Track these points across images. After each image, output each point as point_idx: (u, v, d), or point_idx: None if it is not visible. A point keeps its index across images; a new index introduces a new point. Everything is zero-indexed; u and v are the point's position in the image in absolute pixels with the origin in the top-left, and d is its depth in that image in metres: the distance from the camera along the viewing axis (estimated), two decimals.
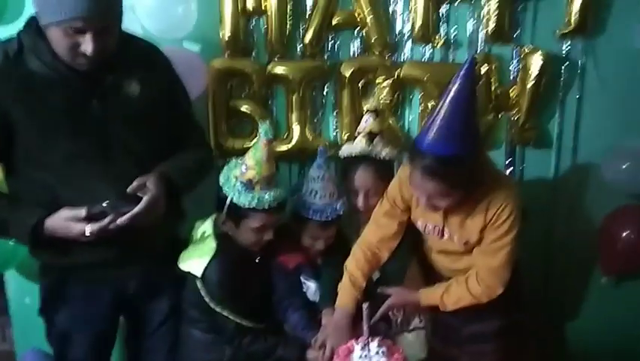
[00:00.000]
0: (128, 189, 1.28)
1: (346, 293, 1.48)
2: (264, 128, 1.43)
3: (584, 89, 1.78)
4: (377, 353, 1.19)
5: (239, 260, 1.50)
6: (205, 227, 1.53)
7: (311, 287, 1.60)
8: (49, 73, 1.23)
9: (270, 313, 1.58)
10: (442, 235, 1.43)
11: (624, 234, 1.77)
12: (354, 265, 1.50)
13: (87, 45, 1.17)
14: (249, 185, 1.43)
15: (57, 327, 1.43)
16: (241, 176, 1.44)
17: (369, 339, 1.22)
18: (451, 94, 1.18)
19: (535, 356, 1.62)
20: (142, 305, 1.49)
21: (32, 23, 1.24)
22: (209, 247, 1.48)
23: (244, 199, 1.43)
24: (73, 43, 1.18)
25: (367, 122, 1.59)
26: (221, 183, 1.47)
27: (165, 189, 1.32)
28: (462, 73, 1.17)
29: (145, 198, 1.27)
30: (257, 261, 1.56)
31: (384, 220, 1.50)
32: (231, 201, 1.45)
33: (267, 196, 1.43)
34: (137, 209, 1.25)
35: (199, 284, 1.46)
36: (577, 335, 1.97)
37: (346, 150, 1.61)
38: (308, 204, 1.53)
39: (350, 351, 1.23)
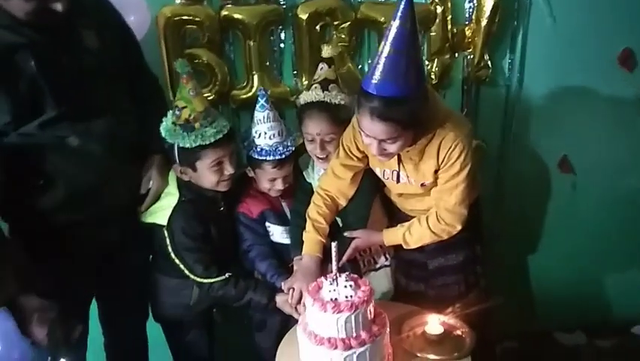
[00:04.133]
0: (142, 190, 1.46)
1: (311, 239, 1.52)
2: (179, 64, 1.40)
3: (532, 27, 1.81)
4: (345, 286, 1.25)
5: (202, 209, 1.52)
6: (170, 182, 1.53)
7: (276, 230, 1.64)
8: (13, 37, 1.16)
9: (235, 263, 1.61)
10: (399, 180, 1.48)
11: None
12: (316, 212, 1.54)
13: (57, 3, 1.12)
14: (187, 126, 1.42)
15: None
16: (177, 120, 1.43)
17: (337, 274, 1.27)
18: (391, 35, 1.17)
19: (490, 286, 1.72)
20: (119, 258, 1.51)
21: None
22: (172, 197, 1.49)
23: (188, 140, 1.42)
24: (40, 2, 1.12)
25: (322, 70, 1.58)
26: (164, 136, 1.45)
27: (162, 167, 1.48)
28: (399, 13, 1.15)
29: (151, 193, 1.46)
30: (221, 209, 1.58)
31: (340, 169, 1.53)
32: (179, 147, 1.44)
33: (209, 129, 1.42)
34: (147, 202, 1.48)
35: (165, 233, 1.47)
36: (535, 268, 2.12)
37: (302, 98, 1.61)
38: (259, 146, 1.54)
39: (319, 288, 1.28)
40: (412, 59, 1.19)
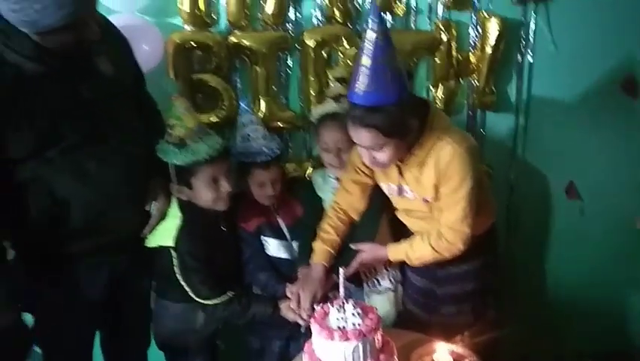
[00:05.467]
0: (147, 207, 1.45)
1: (317, 248, 1.54)
2: (168, 83, 1.45)
3: (537, 54, 1.83)
4: (353, 314, 1.23)
5: (205, 229, 1.52)
6: (172, 204, 1.53)
7: (271, 244, 1.66)
8: (38, 68, 1.17)
9: (238, 281, 1.62)
10: (402, 193, 1.48)
11: None
12: (326, 223, 1.56)
13: (90, 33, 1.16)
14: (180, 143, 1.42)
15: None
16: (170, 138, 1.44)
17: (345, 301, 1.26)
18: (365, 45, 1.21)
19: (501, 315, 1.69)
20: (124, 285, 1.50)
21: None
22: (174, 219, 1.49)
23: (182, 158, 1.42)
24: (77, 33, 1.15)
25: (335, 87, 1.63)
26: (159, 155, 1.45)
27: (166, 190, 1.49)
28: (370, 24, 1.19)
29: (154, 215, 1.46)
30: (223, 228, 1.58)
31: (350, 185, 1.55)
32: (175, 166, 1.45)
33: (201, 145, 1.43)
34: (151, 224, 1.46)
35: (172, 254, 1.46)
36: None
37: (316, 112, 1.64)
38: (245, 150, 1.58)
39: (326, 314, 1.26)
40: (389, 68, 1.22)
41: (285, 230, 1.68)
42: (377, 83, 1.22)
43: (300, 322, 1.45)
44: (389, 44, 1.22)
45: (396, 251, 1.51)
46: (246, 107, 1.62)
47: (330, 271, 1.51)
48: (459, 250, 1.43)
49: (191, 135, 1.42)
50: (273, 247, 1.66)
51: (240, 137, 1.60)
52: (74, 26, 1.13)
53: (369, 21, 1.20)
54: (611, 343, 2.13)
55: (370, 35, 1.20)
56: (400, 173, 1.43)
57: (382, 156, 1.32)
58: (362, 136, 1.29)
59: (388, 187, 1.50)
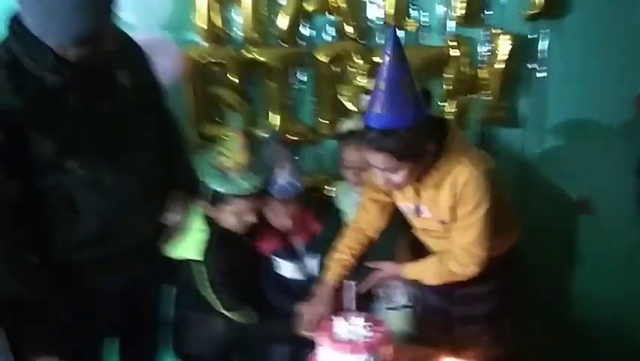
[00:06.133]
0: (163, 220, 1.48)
1: (329, 269, 1.54)
2: (235, 118, 1.47)
3: (549, 70, 1.84)
4: (363, 327, 1.23)
5: (230, 243, 1.56)
6: (194, 216, 1.57)
7: (286, 266, 1.67)
8: (54, 78, 1.19)
9: (254, 295, 1.64)
10: (419, 213, 1.48)
11: None
12: (342, 243, 1.56)
13: (107, 45, 1.19)
14: (225, 173, 1.49)
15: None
16: (217, 163, 1.50)
17: (355, 314, 1.26)
18: (384, 69, 1.22)
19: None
20: (138, 294, 1.52)
21: (15, 29, 1.17)
22: (199, 232, 1.53)
23: (225, 187, 1.49)
24: (94, 45, 1.18)
25: (362, 100, 1.60)
26: (199, 171, 1.52)
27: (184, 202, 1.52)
28: (387, 49, 1.20)
29: (173, 227, 1.49)
30: (243, 240, 1.62)
31: (369, 204, 1.55)
32: (212, 188, 1.50)
33: (244, 183, 1.49)
34: (170, 235, 1.49)
35: (199, 268, 1.51)
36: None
37: (343, 126, 1.65)
38: (268, 184, 1.57)
39: (332, 325, 1.26)
40: (405, 91, 1.23)
41: (300, 250, 1.69)
42: (391, 107, 1.22)
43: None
44: (404, 68, 1.22)
45: (412, 270, 1.51)
46: (275, 140, 1.61)
47: (340, 290, 1.49)
48: (472, 273, 1.42)
49: (237, 170, 1.50)
50: (287, 270, 1.68)
51: (266, 169, 1.57)
52: (94, 38, 1.16)
53: (386, 44, 1.22)
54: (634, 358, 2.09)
55: (385, 59, 1.21)
56: (417, 193, 1.43)
57: (396, 178, 1.33)
58: (376, 159, 1.30)
59: (406, 207, 1.50)
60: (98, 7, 1.14)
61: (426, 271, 1.48)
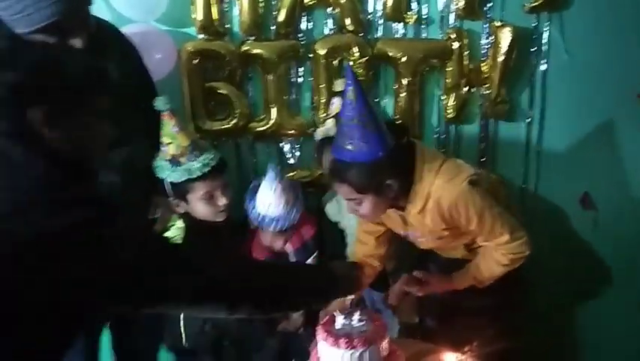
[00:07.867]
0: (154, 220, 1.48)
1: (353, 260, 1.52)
2: (159, 102, 1.42)
3: (551, 63, 1.82)
4: (359, 321, 1.22)
5: (208, 236, 1.53)
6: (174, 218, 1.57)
7: None
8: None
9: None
10: (413, 238, 1.47)
11: None
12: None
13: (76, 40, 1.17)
14: (174, 161, 1.44)
15: None
16: (165, 155, 1.46)
17: (352, 309, 1.25)
18: (343, 103, 1.23)
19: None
20: None
21: None
22: (177, 229, 1.52)
23: (175, 175, 1.45)
24: (60, 39, 1.16)
25: (334, 105, 1.60)
26: (155, 171, 1.49)
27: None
28: (345, 86, 1.21)
29: (159, 220, 1.50)
30: (221, 230, 1.58)
31: (364, 237, 1.53)
32: (170, 181, 1.47)
33: (195, 164, 1.45)
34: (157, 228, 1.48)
35: None
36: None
37: (318, 133, 1.62)
38: (257, 217, 1.56)
39: (333, 320, 1.25)
40: (363, 128, 1.22)
41: (290, 255, 1.66)
42: (351, 141, 1.23)
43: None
44: (363, 104, 1.21)
45: (463, 279, 1.47)
46: (275, 171, 1.56)
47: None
48: (522, 252, 1.39)
49: (184, 153, 1.44)
50: None
51: (258, 200, 1.55)
52: (59, 30, 1.14)
53: (345, 82, 1.23)
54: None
55: (344, 95, 1.22)
56: (404, 222, 1.41)
57: (361, 208, 1.33)
58: (340, 189, 1.32)
59: (399, 233, 1.49)
60: None
61: (479, 275, 1.43)
